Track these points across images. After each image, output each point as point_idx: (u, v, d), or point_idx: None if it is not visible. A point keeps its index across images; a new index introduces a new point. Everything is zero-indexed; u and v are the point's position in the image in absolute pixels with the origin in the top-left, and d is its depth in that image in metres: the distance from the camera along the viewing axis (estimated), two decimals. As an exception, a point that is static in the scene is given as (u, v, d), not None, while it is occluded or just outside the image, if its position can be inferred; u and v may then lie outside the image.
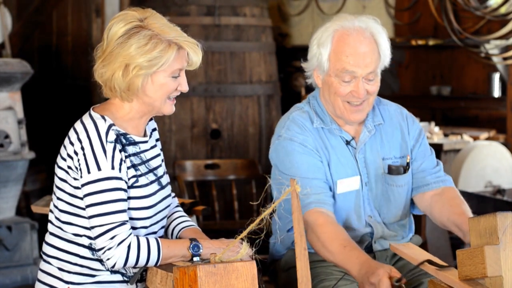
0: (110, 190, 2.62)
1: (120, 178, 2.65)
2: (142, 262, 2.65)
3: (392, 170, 3.03)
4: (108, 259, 2.62)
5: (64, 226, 2.73)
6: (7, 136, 5.23)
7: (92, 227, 2.63)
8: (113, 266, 2.64)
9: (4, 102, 5.25)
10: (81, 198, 2.67)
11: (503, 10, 6.65)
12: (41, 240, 2.86)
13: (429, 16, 7.24)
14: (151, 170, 2.79)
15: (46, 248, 2.79)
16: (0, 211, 5.27)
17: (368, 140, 3.04)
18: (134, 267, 2.72)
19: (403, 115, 3.14)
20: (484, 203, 4.98)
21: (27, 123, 5.45)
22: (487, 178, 6.09)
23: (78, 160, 2.63)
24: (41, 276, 2.79)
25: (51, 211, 2.79)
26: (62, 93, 7.75)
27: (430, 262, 2.61)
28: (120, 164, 2.66)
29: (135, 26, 2.64)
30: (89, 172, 2.62)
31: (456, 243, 5.03)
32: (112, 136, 2.65)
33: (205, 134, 6.02)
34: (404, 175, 3.05)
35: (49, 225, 2.79)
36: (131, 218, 2.70)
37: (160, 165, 2.86)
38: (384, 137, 3.07)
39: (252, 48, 6.15)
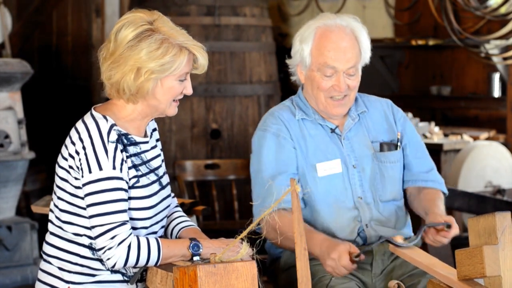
0: (111, 190, 2.63)
1: (121, 178, 2.65)
2: (142, 262, 2.65)
3: (383, 147, 3.12)
4: (108, 259, 2.62)
5: (64, 226, 2.73)
6: (7, 136, 5.23)
7: (93, 227, 2.63)
8: (113, 266, 2.64)
9: (4, 102, 5.25)
10: (82, 198, 2.67)
11: (503, 10, 6.65)
12: (41, 240, 2.86)
13: (429, 16, 7.24)
14: (152, 170, 2.80)
15: (46, 248, 2.79)
16: (0, 211, 5.27)
17: (353, 126, 3.13)
18: (134, 267, 2.72)
19: (388, 104, 3.25)
20: (484, 203, 4.98)
21: (27, 123, 5.45)
22: (487, 178, 6.09)
23: (80, 159, 2.64)
24: (41, 275, 2.79)
25: (51, 210, 2.79)
26: (62, 93, 7.75)
27: (388, 241, 2.72)
28: (121, 164, 2.66)
29: (146, 30, 2.65)
30: (90, 172, 2.62)
31: (456, 243, 5.03)
32: (113, 136, 2.65)
33: (205, 134, 6.02)
34: (395, 151, 3.14)
35: (50, 224, 2.80)
36: (131, 219, 2.70)
37: (160, 165, 2.87)
38: (370, 123, 3.16)
39: (252, 48, 6.14)
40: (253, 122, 6.12)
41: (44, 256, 2.80)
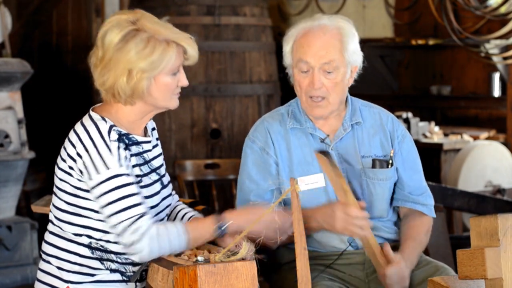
0: (122, 186, 2.63)
1: (129, 174, 2.65)
2: (172, 248, 2.66)
3: (375, 164, 3.06)
4: (136, 253, 2.62)
5: (63, 226, 2.73)
6: (7, 136, 5.23)
7: (113, 226, 2.64)
8: (142, 260, 2.64)
9: (4, 102, 5.25)
10: (83, 198, 2.67)
11: (503, 9, 6.65)
12: (41, 239, 2.86)
13: (429, 15, 7.24)
14: (153, 170, 2.80)
15: (45, 247, 2.79)
16: (0, 211, 5.27)
17: (344, 137, 3.07)
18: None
19: (389, 118, 3.16)
20: (484, 203, 4.98)
21: (27, 123, 5.45)
22: (487, 178, 6.09)
23: (84, 162, 2.63)
24: (40, 275, 2.79)
25: (51, 210, 2.79)
26: (62, 93, 7.76)
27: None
28: (126, 161, 2.66)
29: (131, 30, 2.65)
30: (98, 173, 2.62)
31: (456, 242, 5.03)
32: (114, 135, 2.66)
33: (205, 134, 6.02)
34: (386, 169, 3.06)
35: (49, 224, 2.80)
36: None
37: (162, 165, 2.87)
38: (365, 136, 3.09)
39: (252, 47, 6.14)
40: (253, 121, 6.10)
41: (43, 256, 2.80)
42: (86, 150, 2.63)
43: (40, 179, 6.71)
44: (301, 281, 2.49)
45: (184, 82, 2.75)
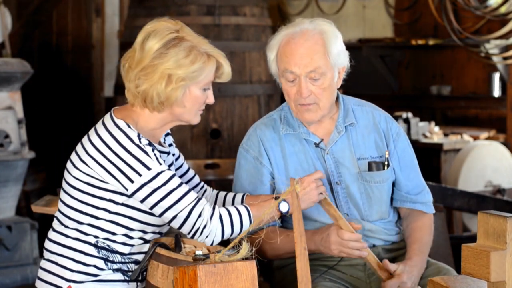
0: (168, 180, 2.65)
1: (169, 169, 2.68)
2: (237, 229, 2.69)
3: (372, 166, 3.03)
4: (207, 236, 2.66)
5: (72, 224, 2.73)
6: (7, 136, 5.23)
7: (171, 220, 2.65)
8: (212, 243, 2.67)
9: (4, 102, 5.25)
10: (100, 198, 2.68)
11: (503, 9, 6.65)
12: (41, 240, 2.85)
13: (429, 16, 7.25)
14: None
15: (49, 245, 2.78)
16: (0, 211, 5.27)
17: (338, 140, 3.04)
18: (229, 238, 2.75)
19: (381, 116, 3.12)
20: (484, 203, 4.98)
21: (27, 123, 5.45)
22: (487, 177, 6.10)
23: (118, 168, 2.64)
24: (42, 274, 2.78)
25: (59, 208, 2.78)
26: (62, 93, 7.76)
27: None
28: (161, 159, 2.69)
29: (174, 38, 2.67)
30: (140, 175, 2.63)
31: (456, 243, 5.04)
32: (145, 140, 2.68)
33: (205, 134, 6.02)
34: (383, 171, 3.03)
35: (55, 222, 2.79)
36: (142, 222, 2.71)
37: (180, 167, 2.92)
38: (359, 137, 3.06)
39: (252, 48, 6.14)
40: (253, 122, 6.09)
41: (46, 254, 2.79)
42: (119, 157, 2.63)
43: (40, 179, 6.71)
44: (301, 281, 2.49)
45: (212, 99, 2.80)
